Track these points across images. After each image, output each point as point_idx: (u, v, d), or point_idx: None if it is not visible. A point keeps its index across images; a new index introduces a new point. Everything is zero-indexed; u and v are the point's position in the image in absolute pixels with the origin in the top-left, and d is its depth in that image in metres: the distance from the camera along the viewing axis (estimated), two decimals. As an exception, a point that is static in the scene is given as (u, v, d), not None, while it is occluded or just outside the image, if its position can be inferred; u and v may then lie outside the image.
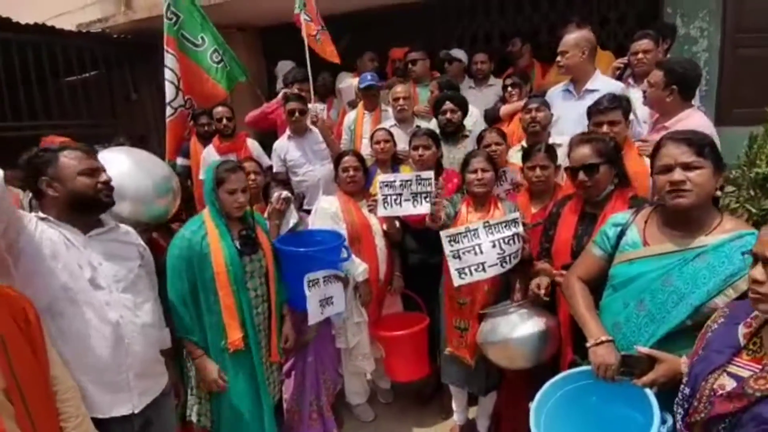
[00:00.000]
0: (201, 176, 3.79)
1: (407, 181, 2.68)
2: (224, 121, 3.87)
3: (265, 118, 4.29)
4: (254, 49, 5.70)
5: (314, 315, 2.42)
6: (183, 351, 2.31)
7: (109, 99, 5.65)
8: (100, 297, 1.67)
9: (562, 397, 1.60)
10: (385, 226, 2.85)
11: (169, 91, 4.16)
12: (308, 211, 3.04)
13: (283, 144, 3.77)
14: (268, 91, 5.41)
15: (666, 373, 1.41)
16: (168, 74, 4.14)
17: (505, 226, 2.23)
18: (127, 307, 1.73)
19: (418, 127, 3.24)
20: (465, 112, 3.28)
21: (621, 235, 1.68)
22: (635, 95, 3.12)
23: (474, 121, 3.51)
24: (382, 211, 2.73)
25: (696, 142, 1.49)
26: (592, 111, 2.47)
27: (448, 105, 3.19)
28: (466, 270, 2.26)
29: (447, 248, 2.26)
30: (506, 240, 2.23)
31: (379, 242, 2.86)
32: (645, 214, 1.68)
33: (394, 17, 4.96)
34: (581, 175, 2.02)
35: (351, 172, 2.84)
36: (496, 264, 2.24)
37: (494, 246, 2.22)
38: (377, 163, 3.23)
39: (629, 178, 2.12)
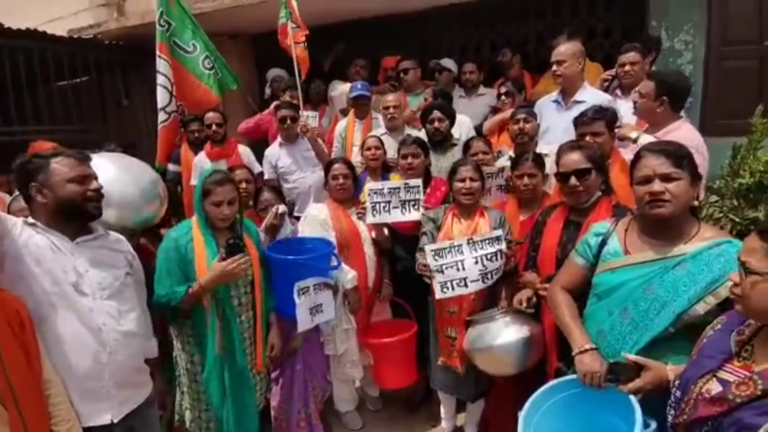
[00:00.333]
0: (192, 182, 3.80)
1: (396, 188, 2.72)
2: (214, 127, 3.88)
3: (257, 129, 4.32)
4: (246, 56, 5.72)
5: (304, 323, 2.42)
6: (172, 359, 2.31)
7: (100, 105, 5.63)
8: (84, 303, 1.67)
9: (551, 406, 1.61)
10: (374, 234, 2.87)
11: (163, 96, 4.16)
12: (299, 218, 3.05)
13: (275, 151, 3.78)
14: (260, 98, 5.43)
15: (652, 381, 1.43)
16: (161, 79, 4.15)
17: (489, 243, 2.28)
18: (110, 314, 1.73)
19: (408, 135, 3.27)
20: (453, 121, 3.32)
21: (603, 244, 1.71)
22: (624, 106, 3.19)
23: (466, 130, 3.55)
24: (370, 218, 2.76)
25: (674, 153, 1.54)
26: (578, 122, 2.51)
27: (436, 114, 3.23)
28: (449, 284, 2.31)
29: (432, 262, 2.30)
30: (488, 256, 2.28)
31: (368, 250, 2.88)
32: (625, 223, 1.71)
33: (386, 27, 5.01)
34: (573, 180, 2.06)
35: (340, 180, 2.86)
36: (478, 280, 2.29)
37: (477, 262, 2.27)
38: (367, 170, 3.25)
39: (612, 187, 2.16)
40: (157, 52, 4.12)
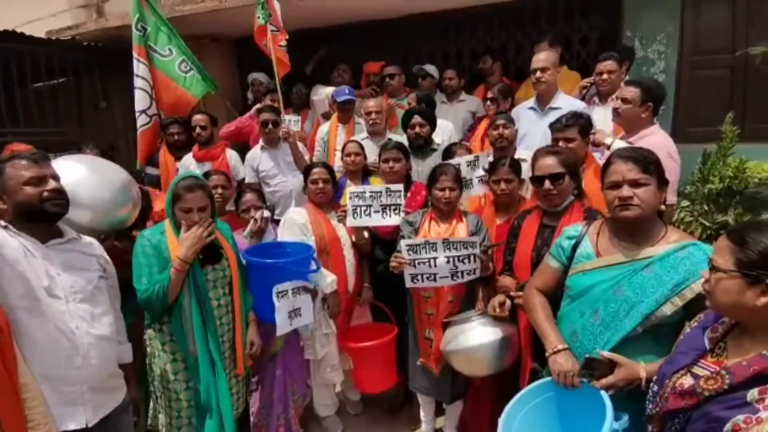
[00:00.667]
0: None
1: (377, 192, 2.74)
2: (198, 129, 3.86)
3: (239, 133, 4.30)
4: (229, 60, 5.70)
5: (283, 326, 2.41)
6: (146, 364, 2.28)
7: (77, 107, 5.54)
8: (57, 307, 1.65)
9: (527, 412, 1.64)
10: (354, 237, 2.88)
11: (143, 99, 4.13)
12: (279, 222, 3.05)
13: (256, 154, 3.77)
14: (243, 102, 5.41)
15: (624, 377, 1.47)
16: (140, 82, 4.12)
17: (464, 246, 2.31)
18: (83, 318, 1.71)
19: (389, 139, 3.30)
20: (434, 127, 3.36)
21: (576, 246, 1.76)
22: (601, 113, 3.27)
23: (448, 135, 3.60)
24: (351, 221, 2.77)
25: (642, 160, 1.59)
26: (553, 128, 2.58)
27: (416, 119, 3.27)
28: (419, 276, 2.37)
29: (405, 256, 2.36)
30: (461, 258, 2.31)
31: (348, 254, 2.88)
32: (597, 226, 1.76)
33: (369, 32, 5.04)
34: (547, 184, 2.11)
35: (320, 184, 2.86)
36: (447, 277, 2.34)
37: (448, 262, 2.31)
38: (347, 174, 3.26)
39: (584, 191, 2.22)
40: (135, 55, 4.09)
